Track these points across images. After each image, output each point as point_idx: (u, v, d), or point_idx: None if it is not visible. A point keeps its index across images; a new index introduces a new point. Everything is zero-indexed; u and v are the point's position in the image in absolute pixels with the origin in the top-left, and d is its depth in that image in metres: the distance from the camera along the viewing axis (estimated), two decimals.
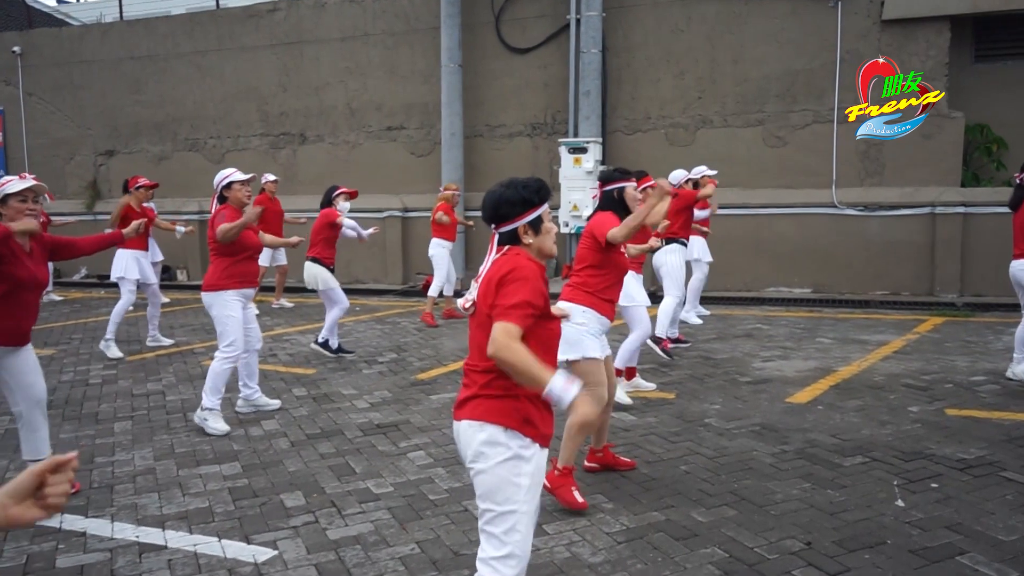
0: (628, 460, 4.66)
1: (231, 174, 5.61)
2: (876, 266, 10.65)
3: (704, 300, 10.11)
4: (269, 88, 13.70)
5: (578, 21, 11.58)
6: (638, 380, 6.29)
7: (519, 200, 2.65)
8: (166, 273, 14.14)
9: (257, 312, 11.17)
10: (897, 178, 10.64)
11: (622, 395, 5.79)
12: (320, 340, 7.70)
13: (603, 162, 11.62)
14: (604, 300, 4.30)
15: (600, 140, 11.48)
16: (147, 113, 14.57)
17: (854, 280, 10.77)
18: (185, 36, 14.17)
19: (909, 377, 6.51)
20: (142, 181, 8.44)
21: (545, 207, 2.71)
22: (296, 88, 13.53)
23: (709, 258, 9.00)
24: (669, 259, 7.38)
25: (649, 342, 7.16)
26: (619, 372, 5.77)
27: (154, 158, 14.60)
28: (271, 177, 10.64)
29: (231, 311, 5.48)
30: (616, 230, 4.22)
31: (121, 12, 15.51)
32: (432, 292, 9.42)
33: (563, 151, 11.35)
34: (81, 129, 15.10)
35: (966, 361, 7.03)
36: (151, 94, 14.51)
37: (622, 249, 4.46)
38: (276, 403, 6.07)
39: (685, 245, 7.61)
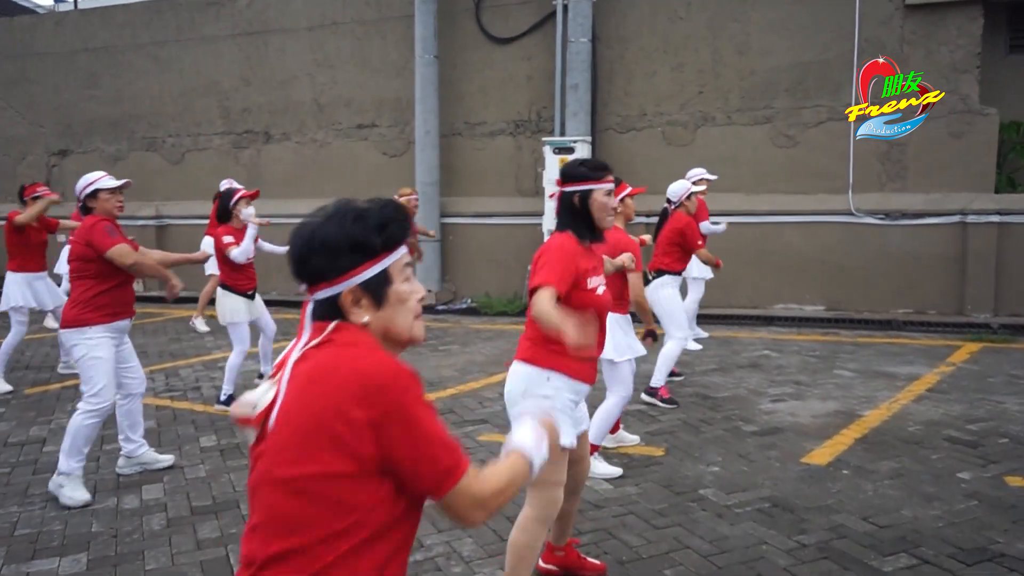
0: (595, 563, 3.48)
1: (97, 180, 4.46)
2: (898, 282, 9.46)
3: (704, 319, 8.95)
4: (231, 82, 12.56)
5: (565, 7, 10.42)
6: (622, 433, 5.12)
7: (346, 243, 1.52)
8: None
9: (207, 329, 10.19)
10: (922, 182, 9.45)
11: (601, 467, 4.59)
12: (223, 398, 6.16)
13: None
14: (576, 359, 2.93)
15: (589, 139, 10.32)
16: (102, 110, 13.44)
17: (873, 297, 9.57)
18: (143, 26, 13.03)
19: (951, 426, 5.33)
20: (41, 190, 7.09)
21: (398, 255, 1.58)
22: (260, 82, 12.39)
23: (708, 275, 7.84)
24: (661, 295, 6.09)
25: (644, 397, 6.01)
26: (595, 448, 4.49)
27: (109, 158, 13.46)
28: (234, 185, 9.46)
29: (98, 352, 4.32)
30: (540, 301, 2.80)
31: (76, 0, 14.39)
32: None
33: (547, 151, 10.19)
34: (33, 127, 13.97)
35: (1018, 404, 5.83)
36: (107, 89, 13.38)
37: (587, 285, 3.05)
38: (168, 459, 4.90)
39: (679, 275, 6.32)
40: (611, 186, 3.12)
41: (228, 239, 6.11)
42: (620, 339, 4.45)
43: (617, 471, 4.62)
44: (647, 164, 10.33)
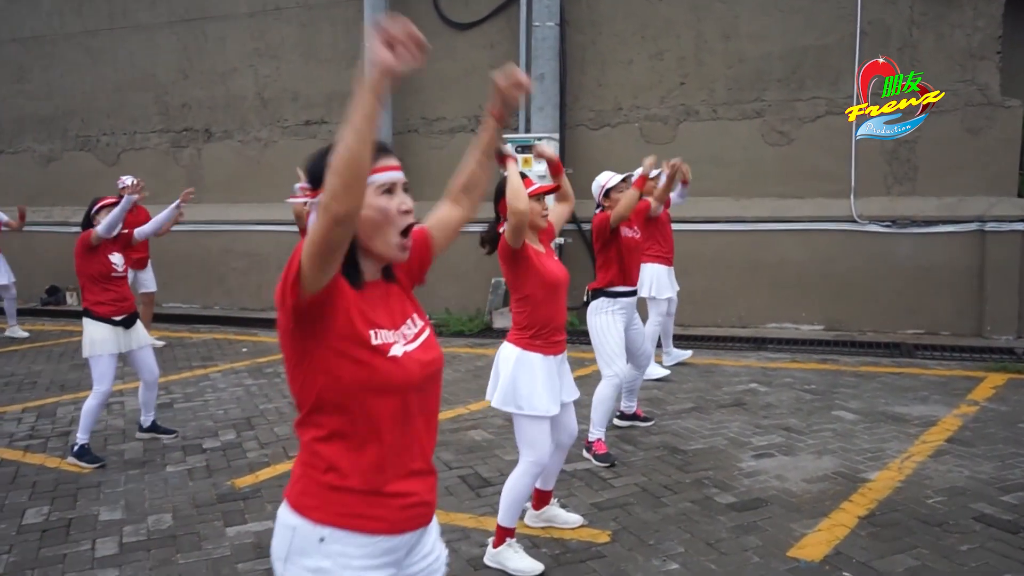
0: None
1: None
2: (907, 298, 8.27)
3: (685, 341, 7.79)
4: (168, 75, 11.40)
5: None
6: (555, 510, 3.94)
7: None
8: (53, 295, 11.88)
9: (161, 344, 8.97)
10: (934, 185, 8.27)
11: (516, 561, 3.45)
12: (75, 449, 5.06)
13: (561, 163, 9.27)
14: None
15: (556, 136, 9.15)
16: (32, 106, 12.29)
17: (879, 315, 8.39)
18: (73, 13, 11.88)
19: (983, 497, 4.14)
20: None
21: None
22: (199, 75, 11.22)
23: (668, 292, 6.63)
24: (593, 322, 4.90)
25: (585, 453, 4.86)
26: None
27: (41, 159, 12.32)
28: (129, 181, 8.34)
29: None
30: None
31: None
32: None
33: (509, 150, 9.01)
34: None
35: None
36: (37, 83, 12.23)
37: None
38: None
39: (620, 298, 4.93)
40: (394, 176, 1.76)
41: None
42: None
43: (538, 568, 3.45)
44: (623, 164, 9.00)
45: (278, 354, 8.24)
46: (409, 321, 1.79)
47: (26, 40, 12.20)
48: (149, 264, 8.45)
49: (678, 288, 7.00)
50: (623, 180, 4.98)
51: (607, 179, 5.07)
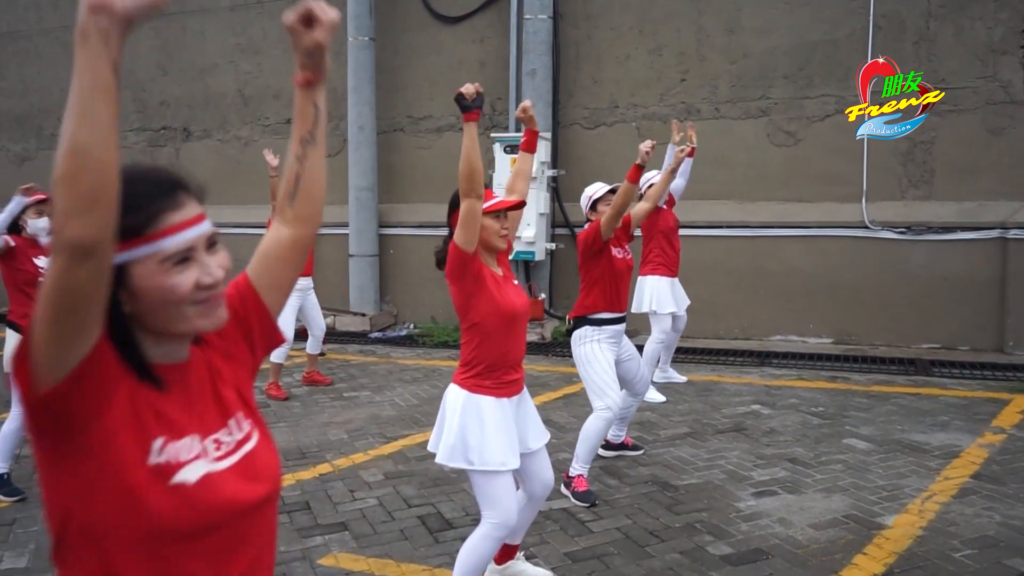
0: None
1: None
2: (923, 310, 7.70)
3: (685, 353, 7.27)
4: (146, 71, 10.92)
5: None
6: (519, 565, 3.40)
7: None
8: None
9: None
10: (953, 189, 7.71)
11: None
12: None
13: (553, 164, 8.76)
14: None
15: (549, 135, 8.62)
16: (7, 104, 11.85)
17: (892, 329, 7.82)
18: (50, 7, 11.41)
19: (1018, 550, 3.58)
20: None
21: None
22: (178, 71, 10.75)
23: (671, 307, 6.08)
24: (580, 352, 4.34)
25: (564, 489, 4.32)
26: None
27: (16, 158, 11.87)
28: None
29: None
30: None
31: None
32: (276, 357, 6.52)
33: (497, 149, 8.51)
34: None
35: None
36: (12, 80, 11.79)
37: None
38: None
39: (605, 326, 4.34)
40: (191, 236, 1.19)
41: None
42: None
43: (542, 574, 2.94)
44: (619, 166, 8.48)
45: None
46: (232, 423, 1.22)
47: (1, 36, 11.74)
48: None
49: (688, 303, 6.46)
50: (611, 191, 4.42)
51: (595, 190, 4.51)
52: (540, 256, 8.51)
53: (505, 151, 8.40)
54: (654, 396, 6.10)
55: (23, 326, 4.51)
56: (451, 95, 11.01)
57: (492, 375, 2.94)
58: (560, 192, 8.82)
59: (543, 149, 8.41)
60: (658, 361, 6.43)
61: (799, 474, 4.60)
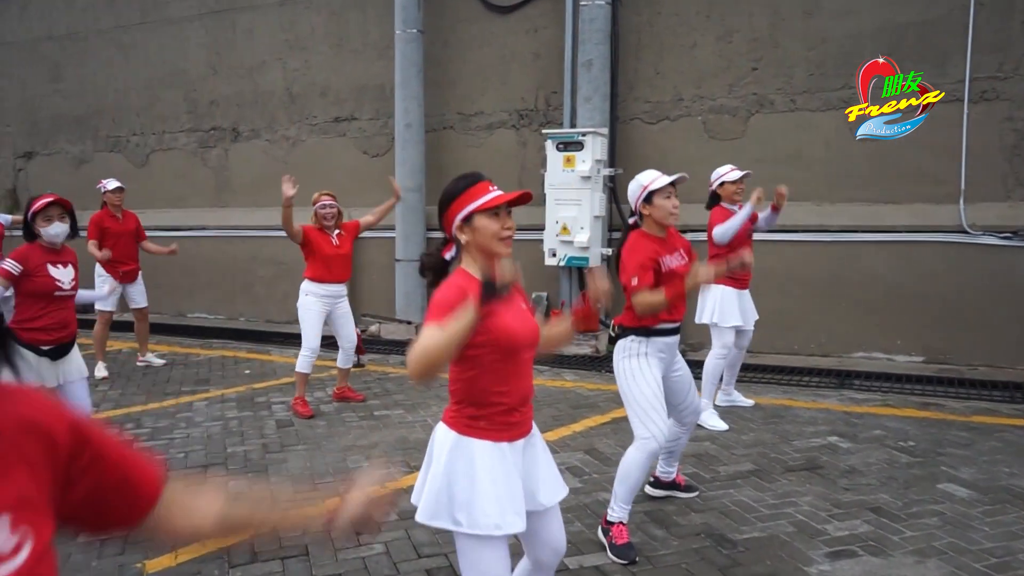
0: None
1: None
2: None
3: (753, 371, 6.55)
4: (198, 70, 10.71)
5: None
6: None
7: None
8: None
9: (161, 363, 8.16)
10: None
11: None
12: None
13: (610, 163, 8.10)
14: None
15: (606, 131, 7.96)
16: (67, 105, 11.82)
17: (994, 347, 6.90)
18: (106, 7, 11.32)
19: None
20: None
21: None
22: (228, 69, 10.49)
23: (735, 320, 5.39)
24: (620, 369, 3.70)
25: (601, 536, 3.70)
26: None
27: (73, 160, 11.84)
28: (112, 185, 7.61)
29: None
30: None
31: None
32: (300, 367, 6.07)
33: (550, 147, 7.90)
34: (0, 126, 12.50)
35: None
36: (71, 81, 11.76)
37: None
38: None
39: (653, 336, 3.69)
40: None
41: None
42: None
43: None
44: (684, 164, 7.85)
45: (278, 378, 7.33)
46: None
47: (61, 38, 11.74)
48: (140, 277, 7.64)
49: (756, 317, 5.75)
50: (672, 183, 3.73)
51: (651, 179, 3.75)
52: (595, 262, 7.87)
53: (558, 148, 7.79)
54: (716, 423, 5.41)
55: (20, 335, 4.16)
56: (504, 90, 10.38)
57: (485, 415, 2.34)
58: (617, 192, 8.15)
59: (599, 146, 7.76)
60: (720, 381, 5.73)
61: (884, 529, 3.85)
